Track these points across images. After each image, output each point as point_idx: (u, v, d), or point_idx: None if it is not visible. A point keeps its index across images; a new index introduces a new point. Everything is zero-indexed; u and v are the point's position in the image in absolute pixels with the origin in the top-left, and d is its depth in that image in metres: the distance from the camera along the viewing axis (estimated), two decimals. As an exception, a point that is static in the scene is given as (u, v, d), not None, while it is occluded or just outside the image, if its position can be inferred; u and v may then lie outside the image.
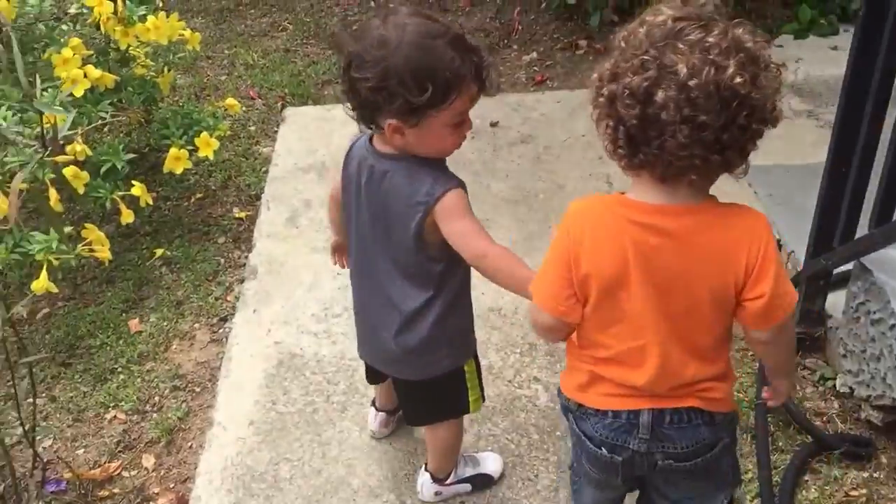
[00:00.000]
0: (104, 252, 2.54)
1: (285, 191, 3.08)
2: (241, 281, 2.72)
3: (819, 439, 2.06)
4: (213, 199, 3.21)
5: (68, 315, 2.71)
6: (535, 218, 2.83)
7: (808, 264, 2.21)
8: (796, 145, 2.99)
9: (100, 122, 2.69)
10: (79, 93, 2.59)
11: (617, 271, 1.27)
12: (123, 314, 2.70)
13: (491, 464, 2.01)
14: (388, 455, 2.08)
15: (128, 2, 2.76)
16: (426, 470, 1.96)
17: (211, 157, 2.85)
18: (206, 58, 4.25)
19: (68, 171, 2.47)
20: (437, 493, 1.96)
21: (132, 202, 2.67)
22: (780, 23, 3.90)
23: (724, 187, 1.27)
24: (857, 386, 2.09)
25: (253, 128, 3.65)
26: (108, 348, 2.56)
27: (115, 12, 2.70)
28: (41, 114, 1.52)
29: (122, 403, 2.37)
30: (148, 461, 2.21)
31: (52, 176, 2.23)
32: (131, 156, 2.76)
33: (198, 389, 2.40)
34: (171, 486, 2.14)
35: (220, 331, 2.59)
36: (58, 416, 2.36)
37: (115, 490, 2.14)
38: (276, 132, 3.53)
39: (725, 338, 1.36)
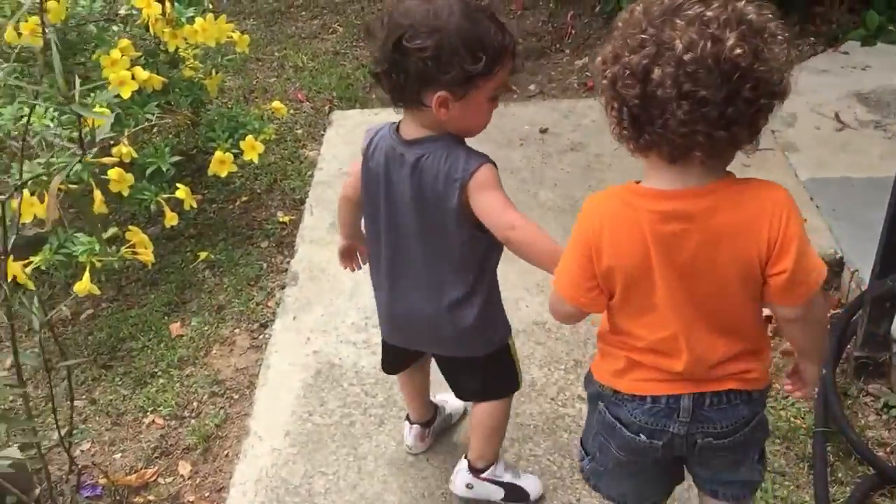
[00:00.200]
0: (147, 255, 2.53)
1: (329, 196, 3.04)
2: (283, 286, 2.68)
3: (882, 471, 1.94)
4: (257, 202, 3.19)
5: (111, 317, 2.71)
6: (583, 228, 2.73)
7: (874, 285, 2.09)
8: (862, 157, 2.86)
9: (146, 123, 2.68)
10: (126, 94, 2.58)
11: (639, 262, 1.26)
12: (165, 317, 2.69)
13: (531, 483, 1.95)
14: (424, 472, 2.02)
15: (176, 3, 2.76)
16: (465, 458, 1.92)
17: (256, 160, 2.83)
18: (256, 60, 4.25)
19: (113, 174, 2.46)
20: (468, 486, 1.91)
21: (177, 204, 2.66)
22: (847, 29, 3.75)
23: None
24: (924, 416, 1.98)
25: (300, 131, 3.62)
26: (149, 352, 2.55)
27: (164, 14, 2.69)
28: (79, 117, 1.49)
29: (161, 408, 2.35)
30: (184, 468, 2.18)
31: (95, 178, 2.21)
32: (177, 158, 2.75)
33: (236, 396, 2.38)
34: (206, 494, 2.11)
35: (261, 337, 2.56)
36: (97, 419, 2.35)
37: (150, 497, 2.12)
38: (322, 136, 3.50)
39: (757, 313, 1.33)
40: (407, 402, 2.06)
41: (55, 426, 2.00)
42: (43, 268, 2.48)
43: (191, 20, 2.73)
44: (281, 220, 3.07)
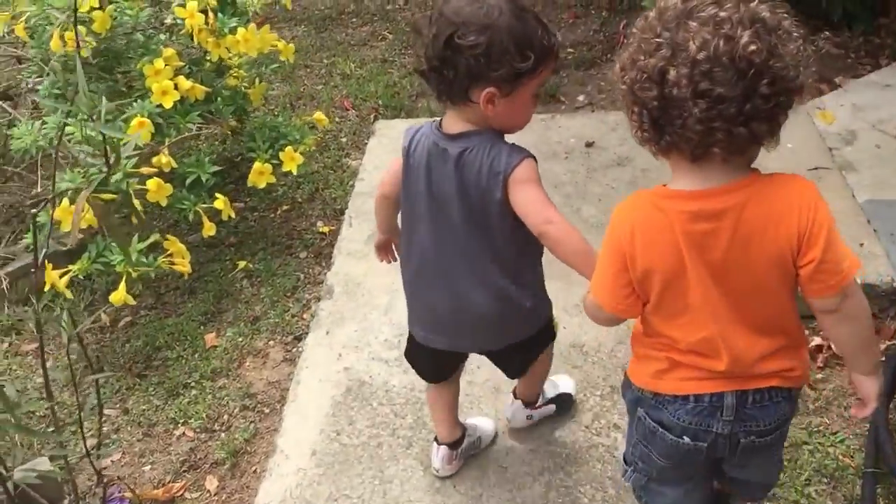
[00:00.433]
0: (184, 265, 2.53)
1: (369, 207, 2.99)
2: (319, 299, 2.66)
3: (936, 518, 1.84)
4: (298, 211, 3.18)
5: (149, 325, 2.71)
6: (627, 247, 2.64)
7: (932, 318, 1.97)
8: (924, 179, 2.72)
9: (187, 133, 2.68)
10: (168, 104, 2.59)
11: (673, 264, 1.28)
12: (201, 326, 2.69)
13: (567, 384, 2.14)
14: (452, 499, 1.96)
15: (220, 14, 2.75)
16: (516, 398, 2.04)
17: (295, 171, 2.82)
18: (304, 66, 4.25)
19: (152, 184, 2.47)
20: (528, 417, 2.08)
21: (216, 213, 2.66)
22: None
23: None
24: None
25: (344, 139, 3.60)
26: (184, 362, 2.55)
27: (207, 23, 2.69)
28: (104, 135, 1.48)
29: (192, 420, 2.35)
30: (211, 483, 2.17)
31: (125, 195, 2.22)
32: (217, 168, 2.75)
33: (267, 411, 2.36)
34: (232, 511, 2.10)
35: (294, 350, 2.54)
36: (129, 429, 2.36)
37: (177, 512, 2.12)
38: (366, 144, 3.47)
39: (793, 309, 1.33)
40: (435, 421, 2.02)
41: (84, 438, 2.01)
42: (81, 277, 2.50)
43: (233, 30, 2.73)
44: (320, 230, 3.05)
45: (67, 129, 2.32)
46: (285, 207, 3.21)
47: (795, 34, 1.17)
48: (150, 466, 2.24)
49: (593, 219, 2.80)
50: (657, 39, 1.17)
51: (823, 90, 3.31)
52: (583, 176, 3.04)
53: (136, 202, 2.48)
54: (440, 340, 1.80)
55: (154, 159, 2.56)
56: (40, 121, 2.57)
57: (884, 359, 2.12)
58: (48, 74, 2.53)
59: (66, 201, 2.27)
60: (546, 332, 1.86)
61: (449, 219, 1.63)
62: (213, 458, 2.23)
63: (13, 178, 3.08)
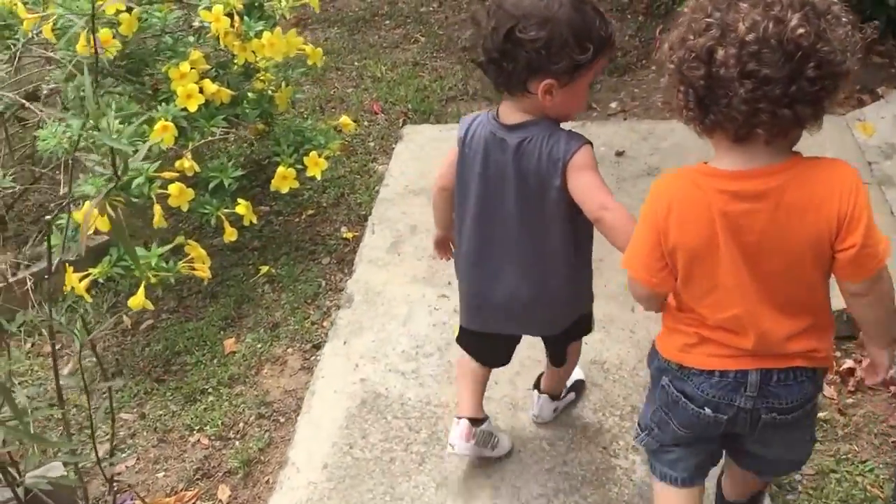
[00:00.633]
0: (203, 271, 2.53)
1: (393, 214, 2.97)
2: (339, 307, 2.63)
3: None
4: (323, 216, 3.16)
5: (169, 328, 2.71)
6: (654, 260, 2.58)
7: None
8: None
9: (211, 137, 2.67)
10: (192, 108, 2.58)
11: (703, 242, 1.30)
12: (221, 332, 2.68)
13: (577, 370, 2.13)
14: (463, 519, 1.93)
15: (246, 17, 2.74)
16: (542, 392, 2.07)
17: (318, 177, 2.79)
18: (335, 69, 4.23)
19: (174, 188, 2.47)
20: (554, 410, 2.10)
21: (241, 217, 2.65)
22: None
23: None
24: None
25: (372, 143, 3.57)
26: (202, 367, 2.54)
27: (233, 26, 2.68)
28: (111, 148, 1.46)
29: (207, 427, 2.33)
30: (223, 493, 2.15)
31: (129, 205, 2.21)
32: (240, 173, 2.73)
33: (282, 420, 2.33)
34: (242, 522, 2.08)
35: (312, 358, 2.51)
36: (145, 434, 2.35)
37: (187, 521, 2.10)
38: (394, 149, 3.44)
39: (823, 290, 1.35)
40: (460, 397, 1.97)
41: (100, 445, 2.01)
42: (101, 280, 2.50)
43: (259, 34, 2.71)
44: (344, 235, 3.02)
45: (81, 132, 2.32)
46: (310, 212, 3.19)
47: (844, 20, 1.19)
48: (163, 473, 2.23)
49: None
50: (707, 20, 1.20)
51: (865, 101, 3.20)
52: (612, 186, 2.91)
53: (158, 207, 2.48)
54: (492, 325, 1.85)
55: (177, 163, 2.56)
56: (65, 123, 2.58)
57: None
58: (68, 78, 2.53)
59: (87, 205, 2.26)
60: (585, 319, 1.90)
61: (504, 208, 1.66)
62: (227, 467, 2.22)
63: (41, 179, 3.10)
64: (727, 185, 1.27)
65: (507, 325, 1.85)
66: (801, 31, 1.14)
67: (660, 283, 1.38)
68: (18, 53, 2.69)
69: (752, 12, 1.16)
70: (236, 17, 2.68)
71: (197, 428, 2.34)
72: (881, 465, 1.97)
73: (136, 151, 2.40)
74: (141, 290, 2.35)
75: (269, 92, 2.99)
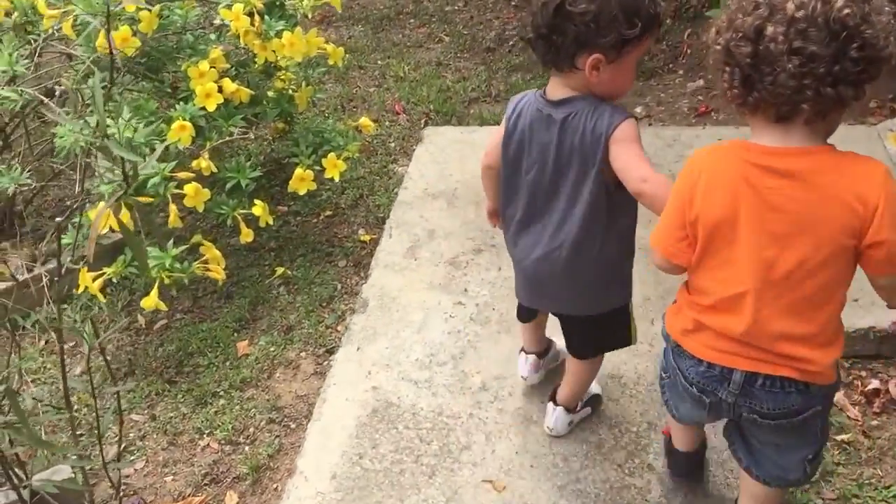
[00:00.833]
0: (218, 272, 2.50)
1: (411, 217, 2.94)
2: (353, 311, 2.60)
3: None
4: (341, 217, 3.13)
5: (183, 329, 2.69)
6: (676, 272, 2.51)
7: None
8: None
9: (229, 137, 2.65)
10: (211, 107, 2.56)
11: (725, 215, 1.32)
12: (235, 333, 2.65)
13: (594, 385, 2.12)
14: (472, 535, 1.89)
15: (266, 16, 2.71)
16: (557, 405, 2.05)
17: (337, 178, 2.76)
18: (358, 67, 4.21)
19: (189, 189, 2.44)
20: (569, 423, 2.08)
21: (258, 217, 2.62)
22: None
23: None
24: None
25: (393, 144, 3.54)
26: (214, 369, 2.52)
27: (253, 25, 2.65)
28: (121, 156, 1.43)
29: (218, 431, 2.31)
30: (231, 499, 2.12)
31: (137, 208, 2.19)
32: (257, 174, 2.71)
33: (293, 425, 2.30)
34: (248, 531, 2.05)
35: (325, 363, 2.48)
36: (154, 436, 2.33)
37: (194, 527, 2.08)
38: (414, 150, 3.40)
39: (836, 299, 1.35)
40: (524, 335, 2.17)
41: (108, 447, 1.99)
42: (115, 280, 2.48)
43: (279, 33, 2.68)
44: (361, 238, 2.99)
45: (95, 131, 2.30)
46: (328, 213, 3.16)
47: (888, 8, 1.23)
48: (171, 477, 2.21)
49: (643, 240, 2.66)
50: (756, 0, 1.24)
51: (898, 110, 3.13)
52: (634, 194, 2.91)
53: (173, 206, 2.46)
54: (524, 297, 1.93)
55: (194, 163, 2.54)
56: (83, 120, 2.57)
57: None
58: (86, 75, 2.52)
59: (98, 207, 2.25)
60: (620, 324, 1.88)
61: (547, 183, 1.70)
62: (236, 473, 2.19)
63: (61, 175, 3.09)
64: (761, 159, 1.29)
65: (541, 300, 1.93)
66: (847, 10, 1.18)
67: (674, 253, 1.41)
68: (39, 49, 2.68)
69: None
70: (256, 17, 2.65)
71: (207, 432, 2.32)
72: (905, 487, 1.91)
73: (153, 150, 2.39)
74: (154, 290, 2.33)
75: (290, 91, 2.96)
